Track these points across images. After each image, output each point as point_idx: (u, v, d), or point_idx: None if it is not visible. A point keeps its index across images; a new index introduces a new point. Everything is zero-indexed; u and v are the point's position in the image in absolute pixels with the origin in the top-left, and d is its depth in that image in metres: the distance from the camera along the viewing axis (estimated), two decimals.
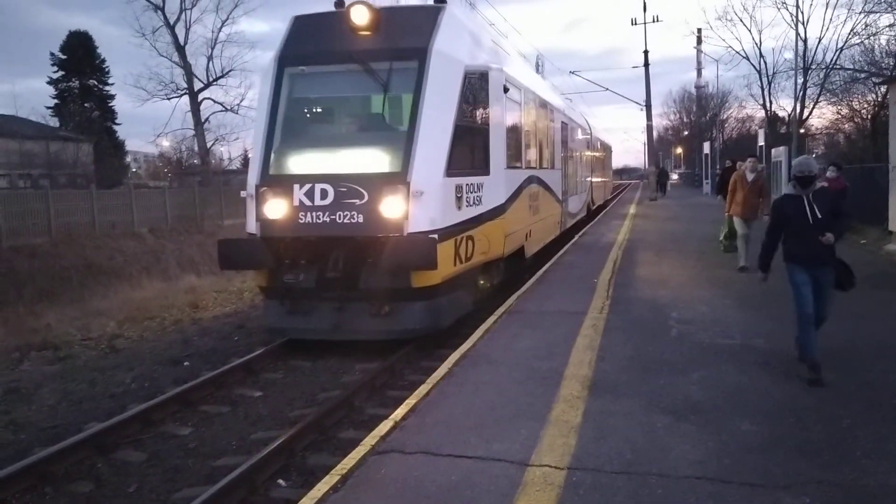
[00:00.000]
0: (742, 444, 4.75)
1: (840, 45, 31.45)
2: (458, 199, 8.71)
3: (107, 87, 54.75)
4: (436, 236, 7.91)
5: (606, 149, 37.17)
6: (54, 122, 50.24)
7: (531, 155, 13.31)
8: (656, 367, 6.56)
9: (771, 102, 40.57)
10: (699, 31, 49.87)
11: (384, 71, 8.84)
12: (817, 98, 34.86)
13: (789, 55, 35.26)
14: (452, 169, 8.52)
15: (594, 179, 28.01)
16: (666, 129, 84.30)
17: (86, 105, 52.36)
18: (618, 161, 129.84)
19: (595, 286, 10.91)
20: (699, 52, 57.28)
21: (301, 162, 8.86)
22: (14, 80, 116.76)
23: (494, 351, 7.31)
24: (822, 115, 39.32)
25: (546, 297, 10.35)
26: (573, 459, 4.56)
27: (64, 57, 52.59)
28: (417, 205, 8.05)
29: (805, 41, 31.27)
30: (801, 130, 34.25)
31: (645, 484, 4.21)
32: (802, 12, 31.07)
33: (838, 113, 37.15)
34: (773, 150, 26.55)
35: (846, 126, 38.24)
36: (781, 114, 42.67)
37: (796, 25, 28.29)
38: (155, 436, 6.50)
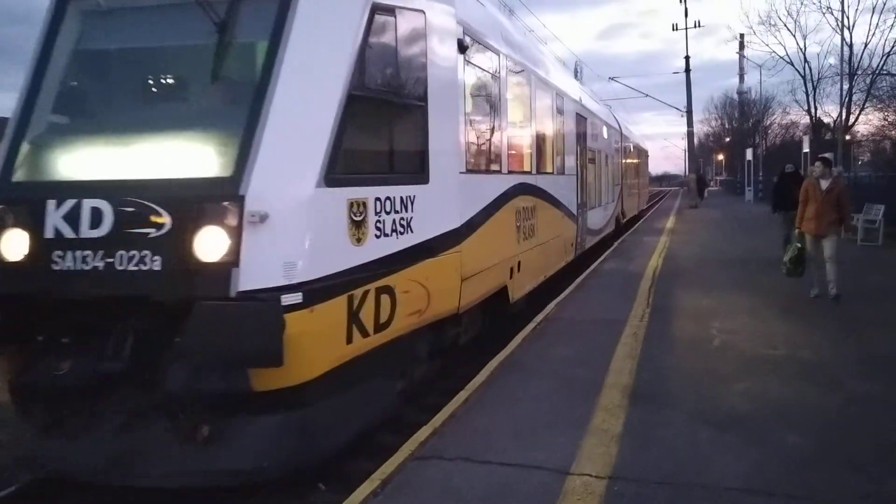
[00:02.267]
0: (787, 457, 4.66)
1: (887, 50, 30.87)
2: (357, 224, 5.14)
3: None
4: (298, 296, 4.55)
5: (641, 153, 34.66)
6: None
7: (523, 154, 9.88)
8: (698, 377, 6.47)
9: (816, 108, 40.04)
10: (741, 36, 49.13)
11: (223, 3, 5.29)
12: (863, 104, 34.29)
13: (834, 60, 34.68)
14: (341, 171, 5.05)
15: (625, 188, 24.64)
16: (707, 136, 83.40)
17: None
18: (657, 168, 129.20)
19: (635, 295, 10.82)
20: (742, 57, 56.45)
21: (64, 161, 5.23)
22: None
23: (533, 359, 7.29)
24: (868, 122, 38.69)
25: (585, 304, 10.29)
26: (614, 469, 4.52)
27: None
28: (259, 238, 4.53)
29: (850, 46, 30.76)
30: (847, 137, 33.62)
31: (688, 496, 4.15)
32: (848, 17, 30.61)
33: (885, 119, 36.49)
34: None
35: (893, 133, 37.41)
36: (826, 120, 42.04)
37: (841, 30, 27.95)
38: None
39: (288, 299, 4.49)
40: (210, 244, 4.54)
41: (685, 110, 40.49)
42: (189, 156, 4.92)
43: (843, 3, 31.23)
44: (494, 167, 8.29)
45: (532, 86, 10.26)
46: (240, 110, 4.96)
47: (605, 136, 19.33)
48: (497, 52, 8.38)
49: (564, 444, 4.94)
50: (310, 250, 4.73)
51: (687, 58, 38.99)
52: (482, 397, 6.10)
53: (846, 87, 30.05)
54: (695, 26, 41.40)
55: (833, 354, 7.10)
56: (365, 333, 5.25)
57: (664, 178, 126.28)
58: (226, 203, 4.56)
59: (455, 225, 6.67)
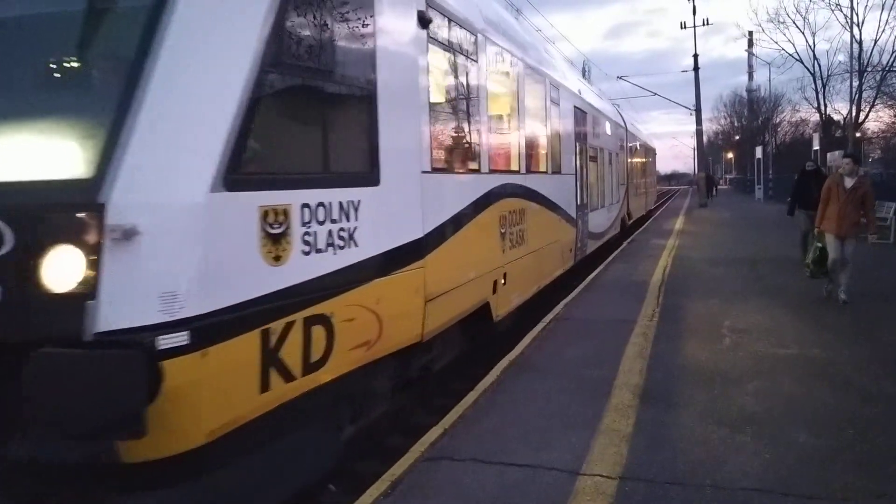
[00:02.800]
0: (800, 456, 4.63)
1: None
2: (273, 238, 3.97)
3: None
4: (182, 336, 3.44)
5: (649, 151, 33.84)
6: None
7: (509, 151, 8.69)
8: (709, 376, 6.43)
9: (825, 106, 39.89)
10: (750, 33, 48.95)
11: None
12: (873, 101, 34.20)
13: (843, 58, 34.65)
14: (250, 170, 3.94)
15: (631, 188, 23.58)
16: (716, 134, 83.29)
17: None
18: (666, 166, 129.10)
19: (644, 294, 10.78)
20: (750, 55, 56.24)
21: None
22: None
23: (542, 359, 7.27)
24: (878, 119, 38.58)
25: (594, 304, 10.27)
26: (625, 469, 4.50)
27: None
28: (126, 260, 3.40)
29: (860, 43, 30.67)
30: (857, 134, 33.48)
31: (700, 495, 4.12)
32: (857, 14, 30.52)
33: (895, 116, 36.27)
34: (828, 155, 25.97)
35: None
36: (836, 117, 41.89)
37: (851, 27, 27.89)
38: None
39: (167, 341, 3.39)
40: (59, 269, 3.40)
41: (694, 109, 40.40)
42: (38, 152, 3.71)
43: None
44: (472, 165, 7.17)
45: (521, 74, 9.06)
46: (107, 92, 3.82)
47: (609, 133, 18.19)
48: (474, 31, 7.21)
49: (575, 445, 4.92)
50: (200, 275, 3.56)
51: (695, 56, 38.99)
52: (492, 398, 6.09)
53: (856, 84, 29.92)
54: (703, 24, 41.44)
55: (845, 354, 7.05)
56: (289, 377, 4.10)
57: (673, 177, 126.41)
58: (80, 214, 3.41)
59: (416, 235, 5.54)
